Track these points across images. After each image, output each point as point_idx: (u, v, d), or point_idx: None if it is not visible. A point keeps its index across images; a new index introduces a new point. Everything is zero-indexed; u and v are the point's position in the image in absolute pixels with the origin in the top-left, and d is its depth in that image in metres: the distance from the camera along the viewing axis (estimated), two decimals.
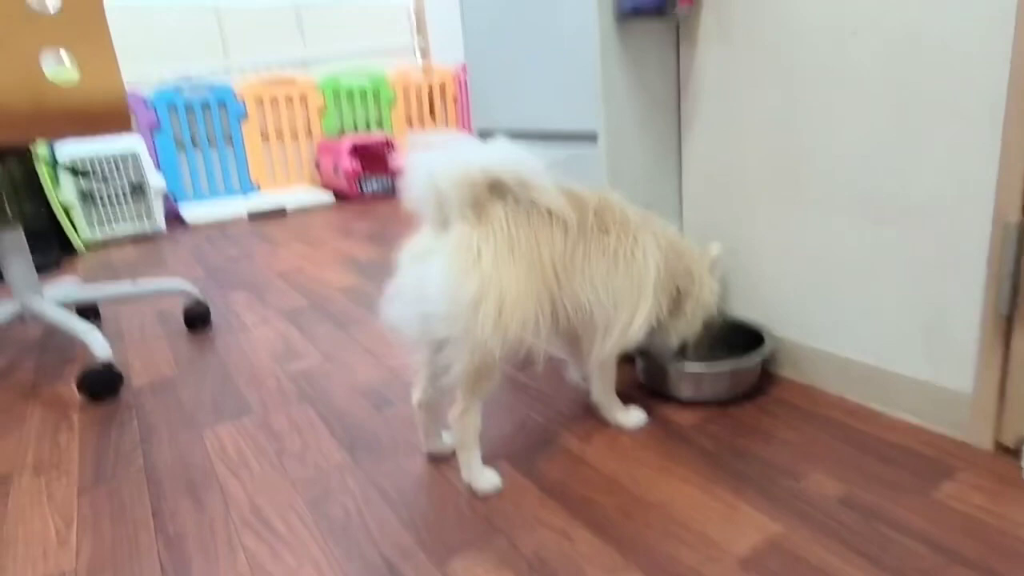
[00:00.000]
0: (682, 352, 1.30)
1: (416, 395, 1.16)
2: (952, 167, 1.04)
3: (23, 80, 1.43)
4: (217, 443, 1.30)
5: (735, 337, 1.42)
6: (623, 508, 1.01)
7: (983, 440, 1.07)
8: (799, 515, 0.96)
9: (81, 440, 1.35)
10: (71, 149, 3.10)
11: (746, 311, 1.45)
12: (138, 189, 3.24)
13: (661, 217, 1.23)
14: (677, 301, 1.21)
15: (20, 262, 1.68)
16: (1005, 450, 1.06)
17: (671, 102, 1.46)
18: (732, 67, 1.33)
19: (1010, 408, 1.04)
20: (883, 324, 1.20)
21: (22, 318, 1.70)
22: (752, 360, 1.28)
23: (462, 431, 1.08)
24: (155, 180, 3.27)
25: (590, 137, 1.41)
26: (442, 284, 0.98)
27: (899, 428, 1.15)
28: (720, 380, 1.28)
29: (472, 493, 1.07)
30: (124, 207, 3.23)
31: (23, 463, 1.28)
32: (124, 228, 3.25)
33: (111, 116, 1.57)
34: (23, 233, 1.70)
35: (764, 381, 1.35)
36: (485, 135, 1.73)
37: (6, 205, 1.67)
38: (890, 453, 1.09)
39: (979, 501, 0.95)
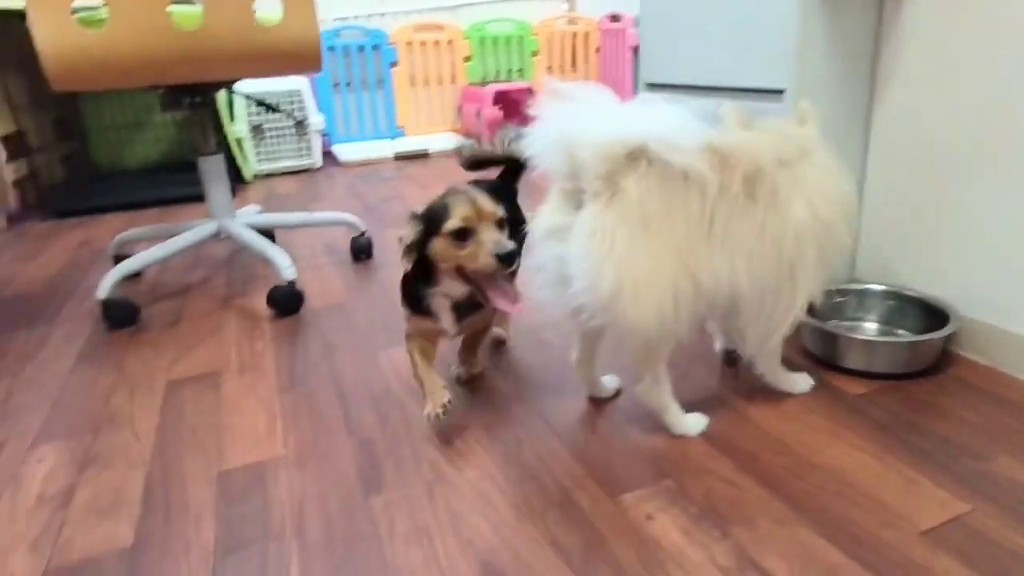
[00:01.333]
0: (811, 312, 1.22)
1: (573, 355, 1.20)
2: None
3: (237, 23, 1.56)
4: (391, 365, 1.41)
5: (913, 311, 1.35)
6: (791, 467, 1.01)
7: None
8: (986, 496, 0.93)
9: (273, 348, 1.51)
10: (242, 87, 3.35)
11: (928, 286, 1.37)
12: (300, 126, 3.46)
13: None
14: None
15: (220, 186, 1.87)
16: None
17: (866, 56, 1.37)
18: (945, 22, 1.23)
19: None
20: None
21: (218, 237, 1.90)
22: (935, 336, 1.22)
23: (655, 399, 1.10)
24: (315, 118, 3.49)
25: (774, 92, 1.36)
26: (581, 277, 0.95)
27: None
28: (898, 353, 1.24)
29: (644, 437, 1.11)
30: (288, 143, 3.47)
31: (229, 363, 1.45)
32: (286, 163, 3.49)
33: (307, 56, 1.69)
34: (223, 160, 1.88)
35: (942, 360, 1.28)
36: (654, 88, 1.71)
37: (211, 134, 1.85)
38: None
39: None
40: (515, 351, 1.44)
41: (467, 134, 4.24)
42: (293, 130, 3.45)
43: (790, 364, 1.25)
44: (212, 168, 1.86)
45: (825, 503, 0.93)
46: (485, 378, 1.33)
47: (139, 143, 3.50)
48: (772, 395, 1.21)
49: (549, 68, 4.46)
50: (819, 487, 0.97)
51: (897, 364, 1.24)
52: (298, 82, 3.42)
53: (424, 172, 3.41)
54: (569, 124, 0.95)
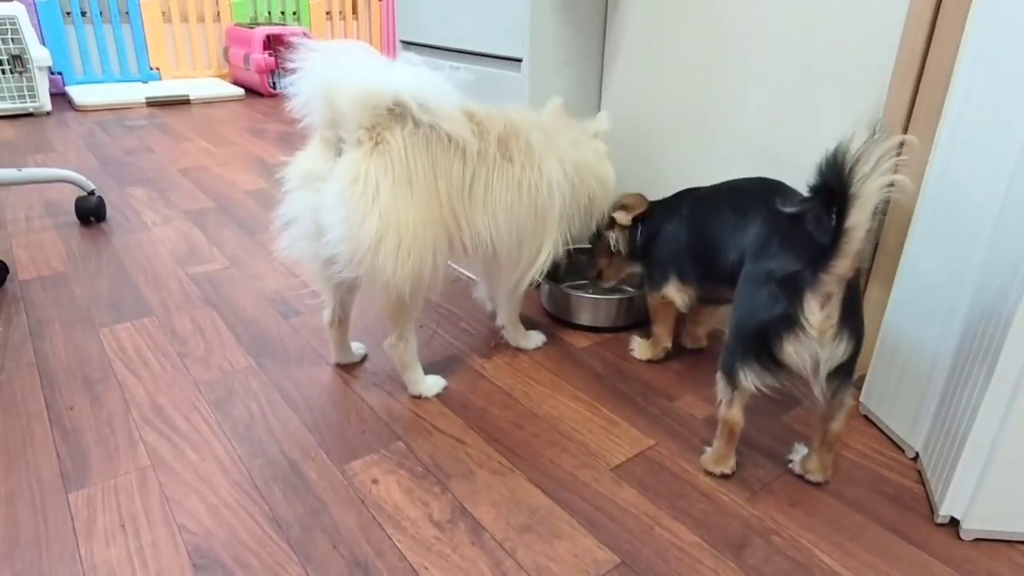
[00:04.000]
0: (554, 276, 1.36)
1: (326, 315, 1.18)
2: (840, 128, 1.14)
3: None
4: (115, 342, 1.28)
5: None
6: (515, 420, 1.10)
7: None
8: (668, 431, 1.08)
9: None
10: None
11: None
12: (18, 61, 2.93)
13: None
14: (587, 208, 1.23)
15: None
16: None
17: (597, 35, 1.48)
18: (658, 7, 1.36)
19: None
20: None
21: None
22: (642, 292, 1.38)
23: (400, 356, 1.12)
24: (38, 53, 2.97)
25: (515, 61, 1.41)
26: (339, 224, 0.95)
27: None
28: (618, 309, 1.38)
29: (382, 402, 1.13)
30: (2, 81, 2.92)
31: None
32: (2, 105, 2.95)
33: None
34: None
35: None
36: (409, 48, 1.70)
37: None
38: None
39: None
40: (259, 320, 1.37)
41: (235, 81, 3.89)
42: (7, 65, 2.91)
43: (529, 322, 1.34)
44: None
45: (538, 450, 1.03)
46: (223, 353, 1.26)
47: None
48: (509, 353, 1.30)
49: (328, 14, 4.23)
50: (536, 436, 1.06)
51: (618, 318, 1.39)
52: (12, 8, 2.88)
53: (182, 121, 3.08)
54: (330, 73, 0.95)
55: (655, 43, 1.39)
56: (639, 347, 1.29)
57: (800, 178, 1.19)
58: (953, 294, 0.94)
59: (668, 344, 1.26)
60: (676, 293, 1.17)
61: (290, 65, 0.97)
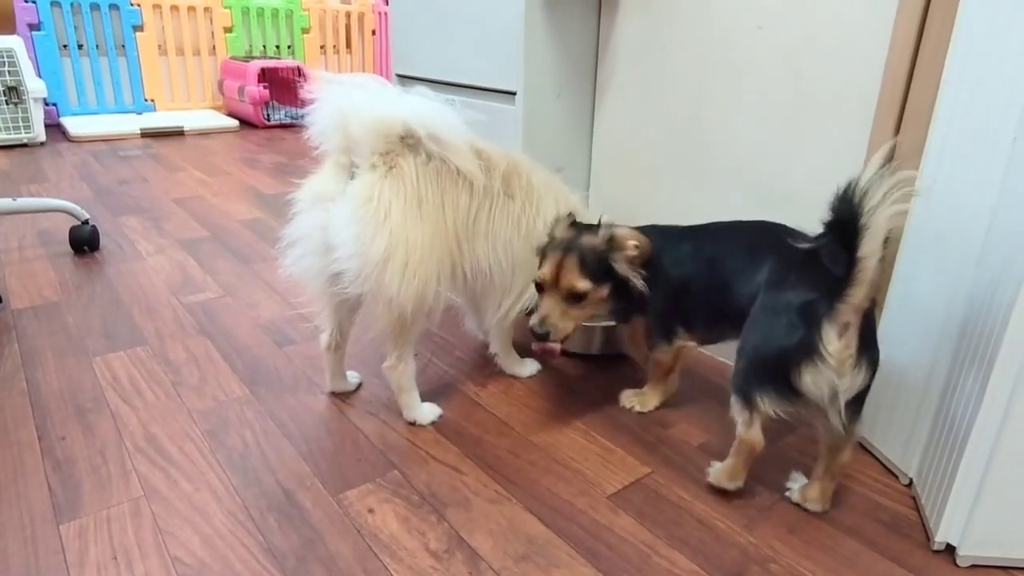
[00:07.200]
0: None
1: (324, 339, 1.18)
2: (827, 159, 1.17)
3: None
4: (108, 371, 1.27)
5: None
6: (511, 448, 1.10)
7: None
8: (664, 459, 1.08)
9: None
10: None
11: None
12: (14, 93, 2.94)
13: (566, 184, 1.27)
14: None
15: None
16: None
17: (589, 69, 1.51)
18: (648, 40, 1.40)
19: None
20: None
21: None
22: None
23: (398, 379, 1.12)
24: (34, 84, 2.99)
25: (509, 95, 1.44)
26: (350, 241, 0.98)
27: None
28: (612, 336, 1.39)
29: (377, 430, 1.13)
30: None
31: None
32: None
33: None
34: None
35: None
36: (405, 81, 1.73)
37: None
38: None
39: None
40: (254, 349, 1.37)
41: (230, 113, 3.93)
42: (2, 96, 2.93)
43: (523, 351, 1.35)
44: None
45: (535, 478, 1.03)
46: (217, 381, 1.25)
47: None
48: (504, 381, 1.30)
49: (322, 48, 4.29)
50: (532, 464, 1.06)
51: (612, 346, 1.39)
52: (9, 40, 2.90)
53: (176, 152, 3.10)
54: (346, 102, 1.00)
55: (647, 76, 1.42)
56: (639, 402, 1.22)
57: (790, 208, 1.22)
58: (944, 318, 0.95)
59: (665, 397, 1.23)
60: (688, 341, 1.13)
61: (308, 96, 1.03)
